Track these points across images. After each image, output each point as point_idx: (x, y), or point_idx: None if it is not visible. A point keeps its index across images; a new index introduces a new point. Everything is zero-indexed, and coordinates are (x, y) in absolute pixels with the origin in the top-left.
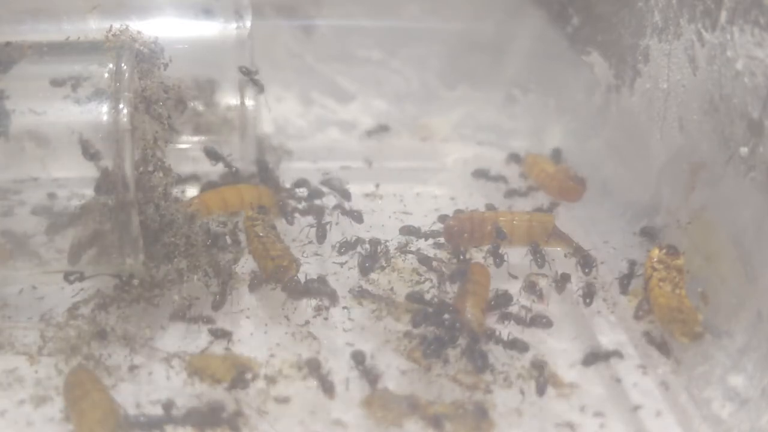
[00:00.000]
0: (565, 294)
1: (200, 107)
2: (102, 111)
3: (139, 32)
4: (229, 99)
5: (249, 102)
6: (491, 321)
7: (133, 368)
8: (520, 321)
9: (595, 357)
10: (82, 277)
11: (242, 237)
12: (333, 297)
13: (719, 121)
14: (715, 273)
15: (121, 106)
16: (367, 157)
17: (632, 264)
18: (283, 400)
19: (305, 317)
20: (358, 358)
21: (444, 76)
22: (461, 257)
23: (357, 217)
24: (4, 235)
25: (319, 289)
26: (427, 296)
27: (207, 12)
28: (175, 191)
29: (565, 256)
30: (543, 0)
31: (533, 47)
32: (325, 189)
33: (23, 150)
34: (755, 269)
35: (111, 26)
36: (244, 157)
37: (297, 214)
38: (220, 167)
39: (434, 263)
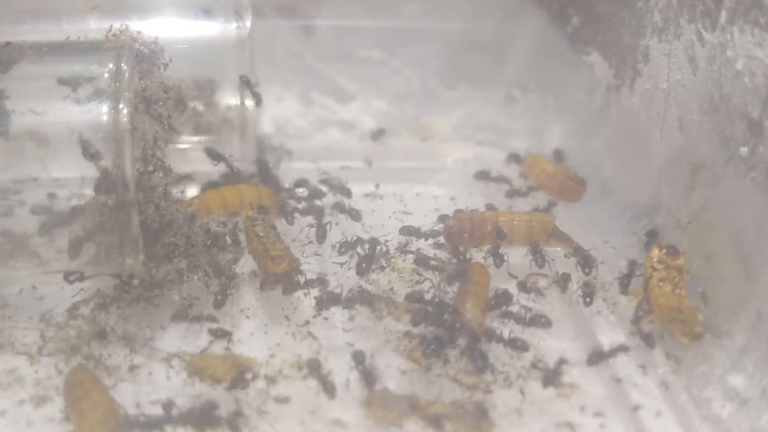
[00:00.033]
0: (565, 294)
1: (200, 107)
2: (102, 111)
3: (139, 32)
4: (229, 99)
5: (249, 102)
6: (491, 321)
7: (133, 368)
8: (519, 320)
9: (599, 356)
10: (82, 277)
11: (242, 237)
12: (321, 281)
13: (719, 121)
14: (715, 273)
15: (121, 106)
16: (367, 157)
17: (632, 264)
18: (283, 400)
19: (305, 317)
20: (358, 358)
21: (444, 76)
22: (461, 257)
23: (354, 215)
24: (4, 235)
25: (309, 281)
26: (427, 296)
27: (207, 12)
28: (175, 191)
29: (565, 256)
30: (543, 0)
31: (533, 47)
32: (324, 188)
33: (23, 150)
34: (755, 269)
35: (111, 26)
36: (244, 157)
37: (297, 214)
38: (220, 167)
39: (432, 262)
